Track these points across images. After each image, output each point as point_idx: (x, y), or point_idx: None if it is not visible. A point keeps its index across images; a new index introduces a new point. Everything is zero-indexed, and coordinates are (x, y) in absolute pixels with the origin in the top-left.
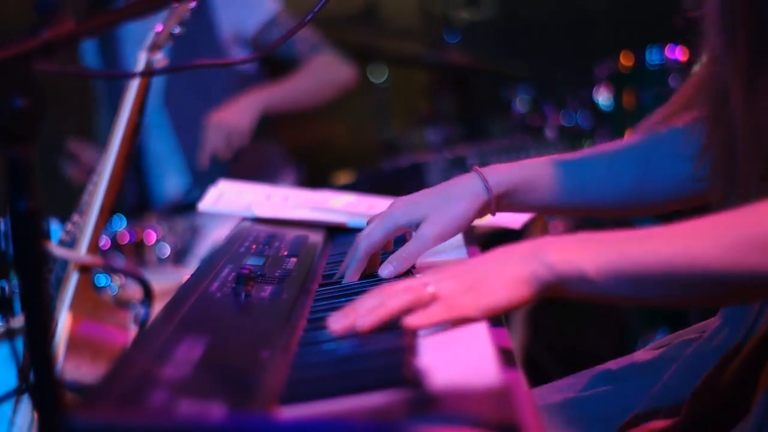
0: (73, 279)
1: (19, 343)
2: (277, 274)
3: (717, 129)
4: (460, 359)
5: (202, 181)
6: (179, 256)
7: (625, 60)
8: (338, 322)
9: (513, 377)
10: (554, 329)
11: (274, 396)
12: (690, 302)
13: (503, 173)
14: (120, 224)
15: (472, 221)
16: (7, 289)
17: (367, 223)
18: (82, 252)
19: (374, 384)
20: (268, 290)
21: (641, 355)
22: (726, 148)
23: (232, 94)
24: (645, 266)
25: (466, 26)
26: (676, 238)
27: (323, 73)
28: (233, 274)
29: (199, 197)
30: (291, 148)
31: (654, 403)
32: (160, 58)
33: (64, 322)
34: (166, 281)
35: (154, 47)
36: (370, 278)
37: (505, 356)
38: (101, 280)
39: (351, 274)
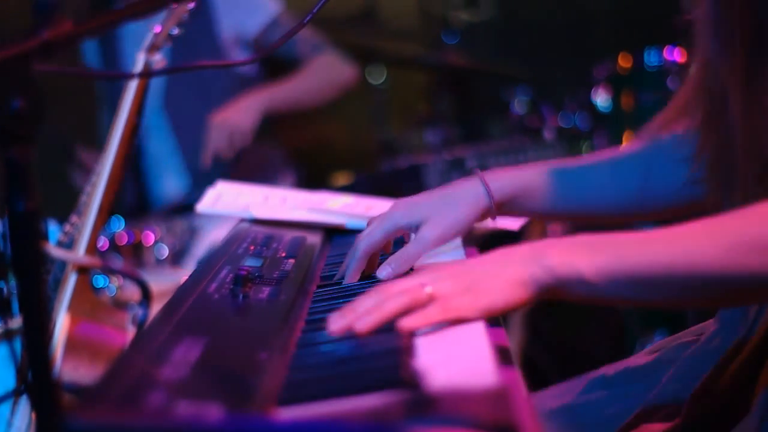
0: (71, 280)
1: (18, 344)
2: (275, 276)
3: (714, 131)
4: (458, 360)
5: (202, 182)
6: (177, 258)
7: (624, 61)
8: (336, 323)
9: (511, 378)
10: (552, 330)
11: (272, 397)
12: (689, 304)
13: (505, 179)
14: (118, 225)
15: (472, 225)
16: (5, 289)
17: (367, 224)
18: (80, 253)
19: (372, 385)
20: (266, 291)
21: (636, 359)
22: (723, 150)
23: (232, 96)
24: (644, 268)
25: (464, 27)
26: (675, 240)
27: (325, 73)
28: (231, 275)
29: (198, 198)
30: (289, 149)
31: (653, 405)
32: (159, 59)
33: (62, 323)
34: (164, 282)
35: (153, 48)
36: (369, 279)
37: (503, 356)
38: (99, 281)
39: (350, 274)
